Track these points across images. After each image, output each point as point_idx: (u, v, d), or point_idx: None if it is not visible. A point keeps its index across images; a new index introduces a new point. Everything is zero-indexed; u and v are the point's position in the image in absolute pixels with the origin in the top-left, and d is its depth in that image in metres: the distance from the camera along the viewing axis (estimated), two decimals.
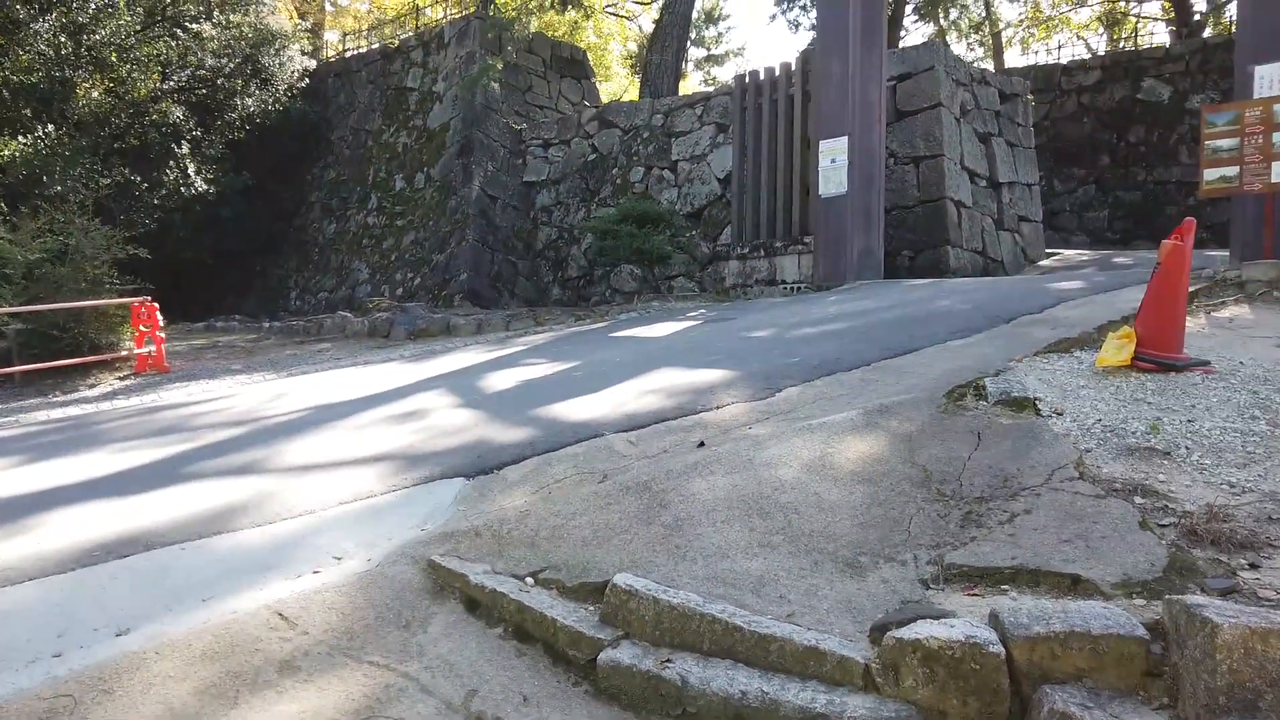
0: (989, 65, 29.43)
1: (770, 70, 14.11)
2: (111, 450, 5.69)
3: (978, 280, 11.91)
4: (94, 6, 19.38)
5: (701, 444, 4.45)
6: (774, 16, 33.68)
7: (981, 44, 31.02)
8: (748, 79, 14.49)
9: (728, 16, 35.69)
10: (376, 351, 11.46)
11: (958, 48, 29.80)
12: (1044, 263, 16.28)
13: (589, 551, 3.24)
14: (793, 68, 13.85)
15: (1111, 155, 22.60)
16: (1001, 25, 30.57)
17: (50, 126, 18.48)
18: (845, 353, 6.42)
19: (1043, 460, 3.54)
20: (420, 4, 26.23)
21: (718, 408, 5.18)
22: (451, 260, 19.73)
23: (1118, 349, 4.73)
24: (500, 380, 7.14)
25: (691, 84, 33.47)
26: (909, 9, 27.17)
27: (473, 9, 22.42)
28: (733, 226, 15.03)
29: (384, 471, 4.53)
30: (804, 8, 26.50)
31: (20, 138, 18.09)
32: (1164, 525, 2.95)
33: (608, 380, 6.38)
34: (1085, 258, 16.81)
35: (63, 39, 18.99)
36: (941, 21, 28.07)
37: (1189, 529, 2.89)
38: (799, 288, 12.87)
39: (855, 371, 5.75)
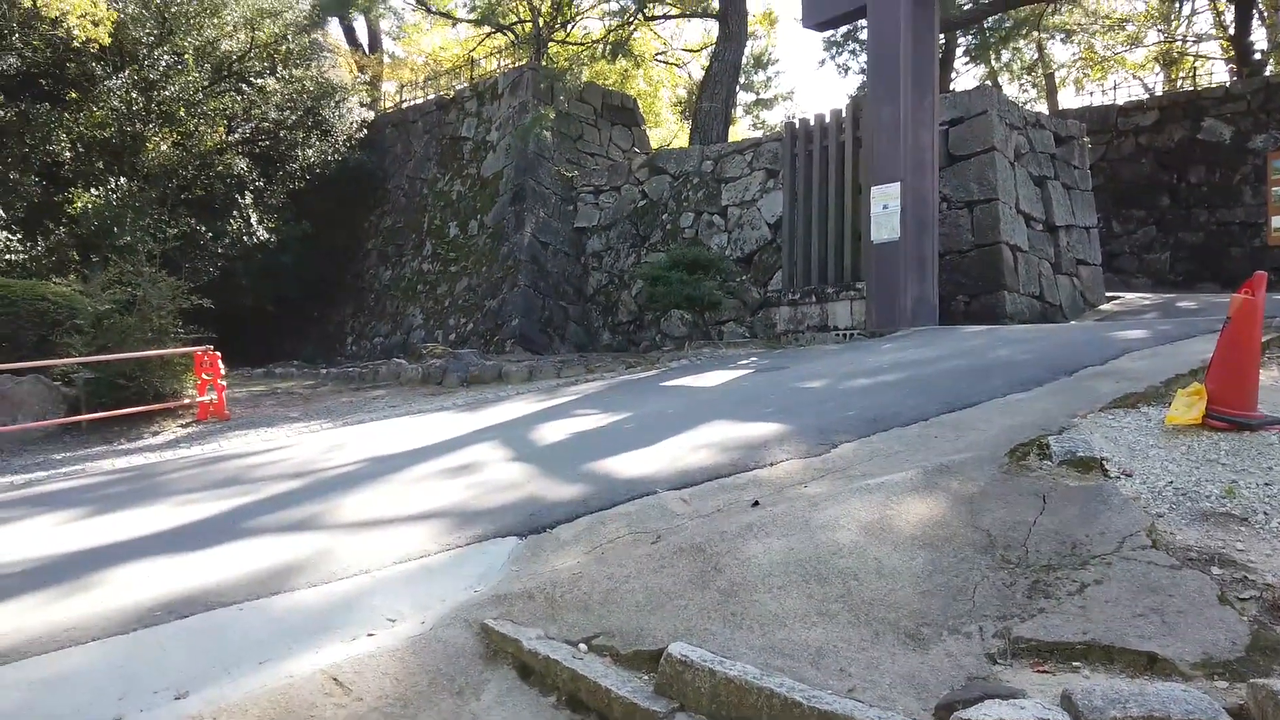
0: (1043, 107, 29.16)
1: (820, 117, 14.15)
2: (173, 503, 5.80)
3: (1036, 328, 11.69)
4: (165, 64, 20.22)
5: (756, 503, 4.39)
6: (823, 61, 33.96)
7: (1034, 85, 30.80)
8: (798, 125, 14.55)
9: (776, 61, 35.98)
10: (430, 399, 11.58)
11: (1009, 89, 29.62)
12: (1105, 307, 15.93)
13: (643, 617, 3.20)
14: (843, 114, 13.87)
15: (1172, 196, 22.16)
16: (1054, 66, 30.34)
17: (121, 179, 19.24)
18: (902, 406, 6.32)
19: (1112, 526, 3.42)
20: (475, 56, 26.90)
21: (772, 464, 5.12)
22: (503, 305, 19.96)
23: (1188, 406, 4.58)
24: (552, 432, 7.16)
25: (741, 129, 33.73)
26: (959, 51, 27.13)
27: (526, 60, 22.93)
28: (783, 272, 15.00)
29: (437, 529, 4.54)
30: (853, 52, 26.62)
31: (93, 190, 18.87)
32: (1244, 599, 2.81)
33: (659, 433, 6.35)
34: (1148, 302, 16.41)
35: (135, 95, 19.83)
36: (993, 63, 27.96)
37: (1272, 603, 2.76)
38: (852, 334, 12.75)
39: (913, 427, 5.65)
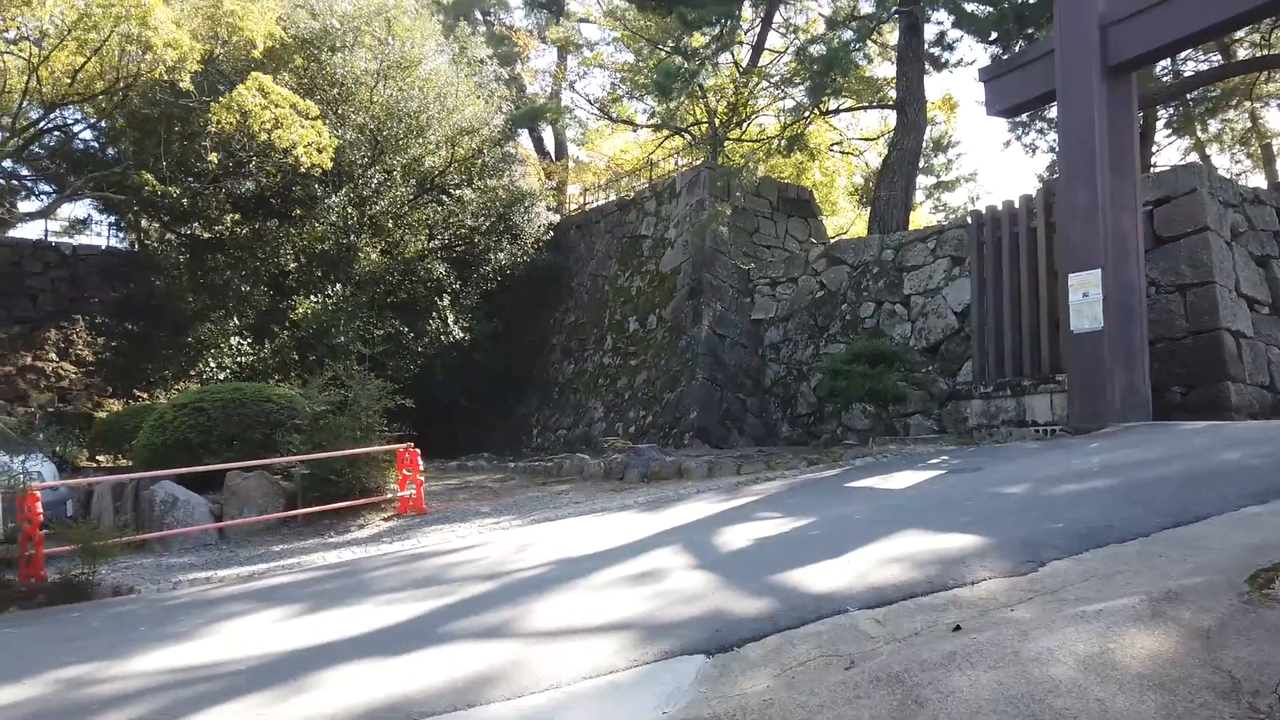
0: (1259, 179, 26.95)
1: (1009, 203, 13.66)
2: (377, 602, 6.11)
3: (1270, 425, 10.54)
4: (376, 181, 22.23)
5: (958, 628, 4.11)
6: (1008, 143, 32.91)
7: (1249, 156, 28.54)
8: (984, 212, 14.09)
9: (957, 143, 35.17)
10: (612, 496, 11.75)
11: (1219, 160, 27.60)
12: None
13: None
14: (1033, 199, 13.33)
15: None
16: (1271, 135, 28.04)
17: (337, 286, 21.10)
18: (1116, 518, 5.81)
19: None
20: (654, 158, 27.99)
21: (973, 583, 4.80)
22: (681, 398, 20.16)
23: None
24: (734, 537, 7.05)
25: (921, 213, 33.06)
26: (1160, 124, 25.62)
27: (702, 159, 23.61)
28: (973, 362, 14.36)
29: (624, 642, 4.53)
30: (1041, 131, 25.70)
31: (312, 297, 20.78)
32: None
33: (847, 542, 6.12)
34: None
35: (350, 210, 21.85)
36: (1199, 135, 26.18)
37: None
38: (1053, 431, 11.95)
39: (1131, 543, 5.16)
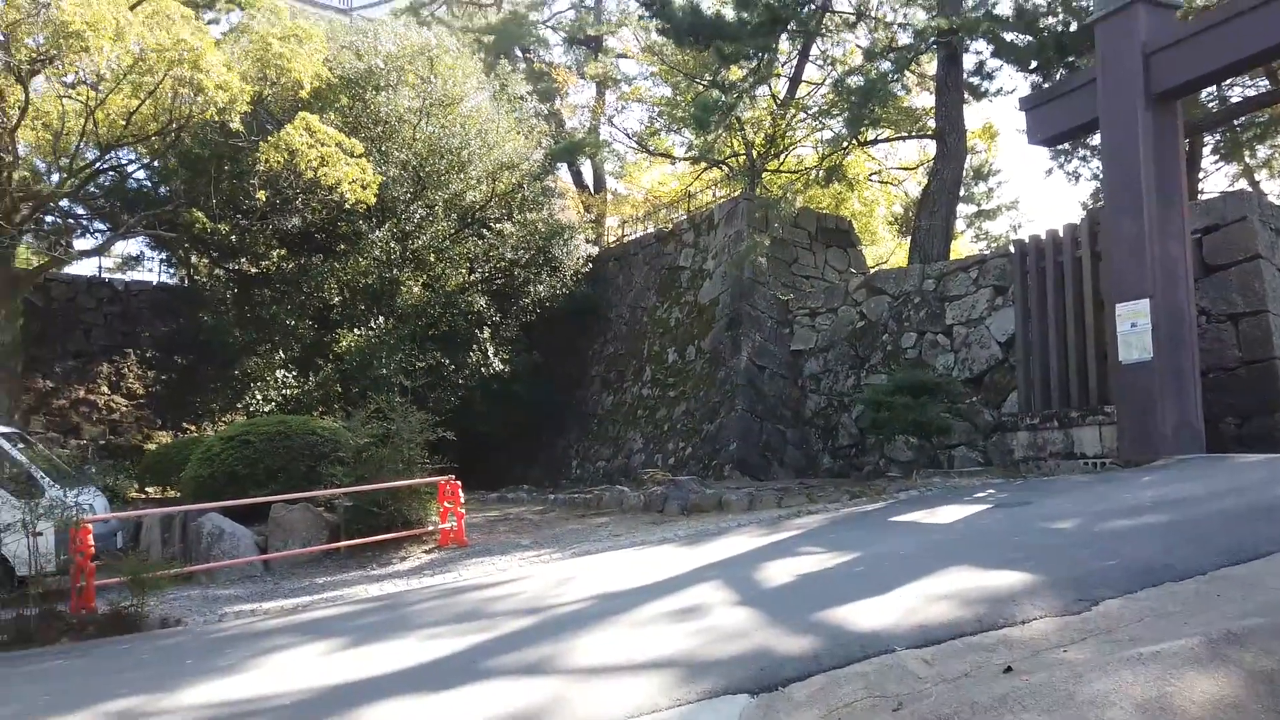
0: None
1: (1053, 232, 13.49)
2: (419, 637, 6.12)
3: None
4: (418, 216, 22.57)
5: (1009, 669, 4.02)
6: (1050, 171, 32.53)
7: None
8: (1028, 242, 13.92)
9: (998, 172, 34.83)
10: (652, 528, 11.69)
11: (1269, 185, 27.04)
12: None
13: None
14: (1078, 227, 13.15)
15: None
16: None
17: (379, 319, 21.39)
18: (1171, 555, 5.65)
19: None
20: (691, 190, 28.12)
21: (1023, 622, 4.69)
22: (721, 430, 20.07)
23: None
24: (776, 572, 6.97)
25: (962, 241, 32.76)
26: (1207, 150, 25.21)
27: (740, 190, 23.66)
28: (1019, 393, 14.13)
29: (667, 681, 4.48)
30: (1084, 158, 25.41)
31: (356, 330, 21.08)
32: None
33: (892, 579, 6.01)
34: None
35: (393, 245, 22.20)
36: (1247, 160, 25.72)
37: None
38: (1102, 463, 11.69)
39: (1187, 582, 5.02)
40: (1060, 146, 24.29)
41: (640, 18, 27.29)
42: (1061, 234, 13.36)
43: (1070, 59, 16.76)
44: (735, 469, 19.01)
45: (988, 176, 33.95)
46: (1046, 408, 13.18)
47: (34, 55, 15.27)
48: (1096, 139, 16.76)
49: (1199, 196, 19.88)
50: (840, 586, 6.08)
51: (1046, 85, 17.17)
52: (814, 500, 12.32)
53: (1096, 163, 24.11)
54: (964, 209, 33.18)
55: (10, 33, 14.95)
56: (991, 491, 10.52)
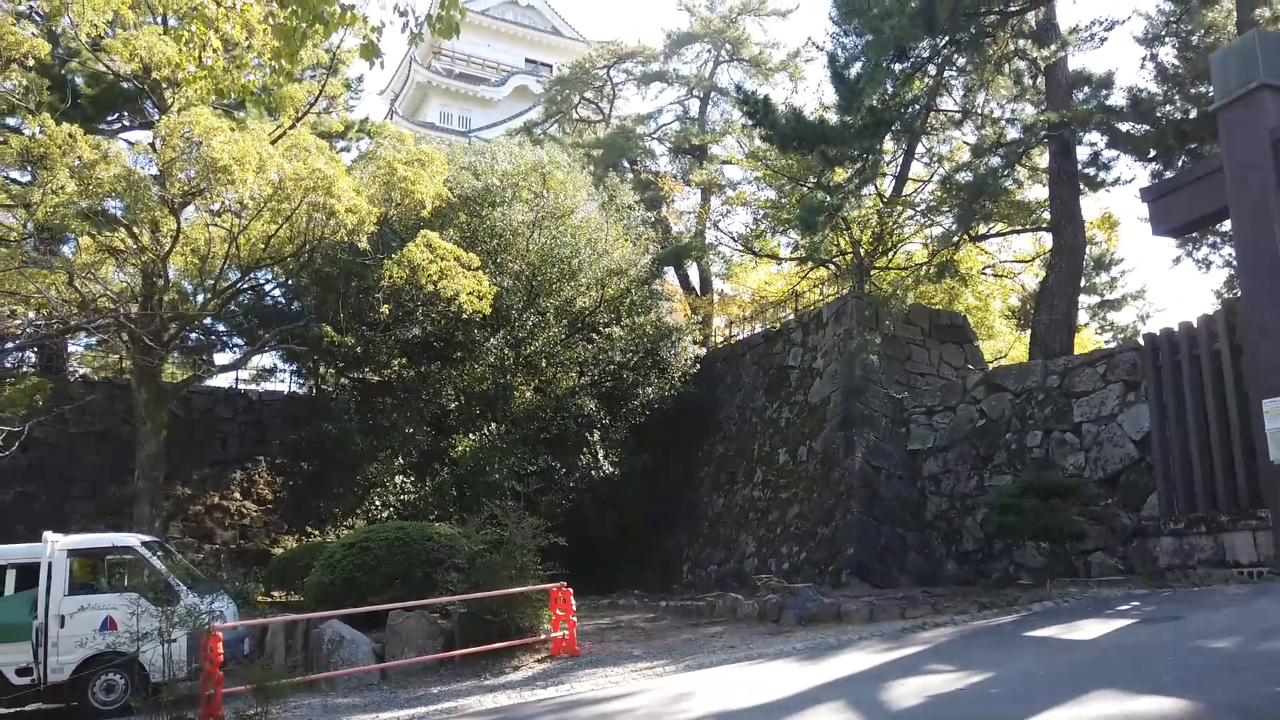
0: None
1: (1186, 324, 12.82)
2: None
3: None
4: (531, 323, 23.24)
5: None
6: (1178, 259, 31.07)
7: None
8: (1159, 335, 13.27)
9: (1120, 260, 33.47)
10: (768, 640, 11.28)
11: None
12: None
13: None
14: (1213, 319, 12.47)
15: None
16: None
17: (493, 424, 21.88)
18: None
19: None
20: (798, 289, 28.10)
21: None
22: (837, 533, 19.43)
23: None
24: (903, 693, 6.58)
25: (1086, 334, 31.44)
26: None
27: (848, 289, 23.50)
28: (1159, 496, 13.23)
29: None
30: (1214, 245, 24.28)
31: (471, 435, 21.59)
32: None
33: (1031, 702, 5.59)
34: None
35: (506, 351, 22.86)
36: None
37: None
38: (1259, 573, 10.74)
39: None
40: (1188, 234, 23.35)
41: (744, 126, 28.01)
42: (1196, 326, 12.69)
43: (1193, 145, 16.24)
44: (853, 575, 18.29)
45: (1109, 266, 32.80)
46: (1191, 511, 12.28)
47: (186, 188, 16.71)
48: (1226, 225, 16.00)
49: None
50: (974, 711, 5.69)
51: (1168, 174, 16.67)
52: (940, 611, 11.68)
53: (1228, 249, 23.02)
54: (1086, 299, 32.04)
55: (166, 169, 16.45)
56: (1136, 604, 9.77)
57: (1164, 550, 12.37)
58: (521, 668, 11.27)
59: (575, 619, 12.13)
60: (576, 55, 38.97)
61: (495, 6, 48.72)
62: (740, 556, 22.78)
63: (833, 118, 19.47)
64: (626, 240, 25.48)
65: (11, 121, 20.00)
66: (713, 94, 34.87)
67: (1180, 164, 16.78)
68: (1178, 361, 12.81)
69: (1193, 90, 17.41)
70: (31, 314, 18.28)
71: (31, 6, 17.79)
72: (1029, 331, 23.72)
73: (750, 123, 21.97)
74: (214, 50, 6.71)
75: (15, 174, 19.29)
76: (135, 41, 16.03)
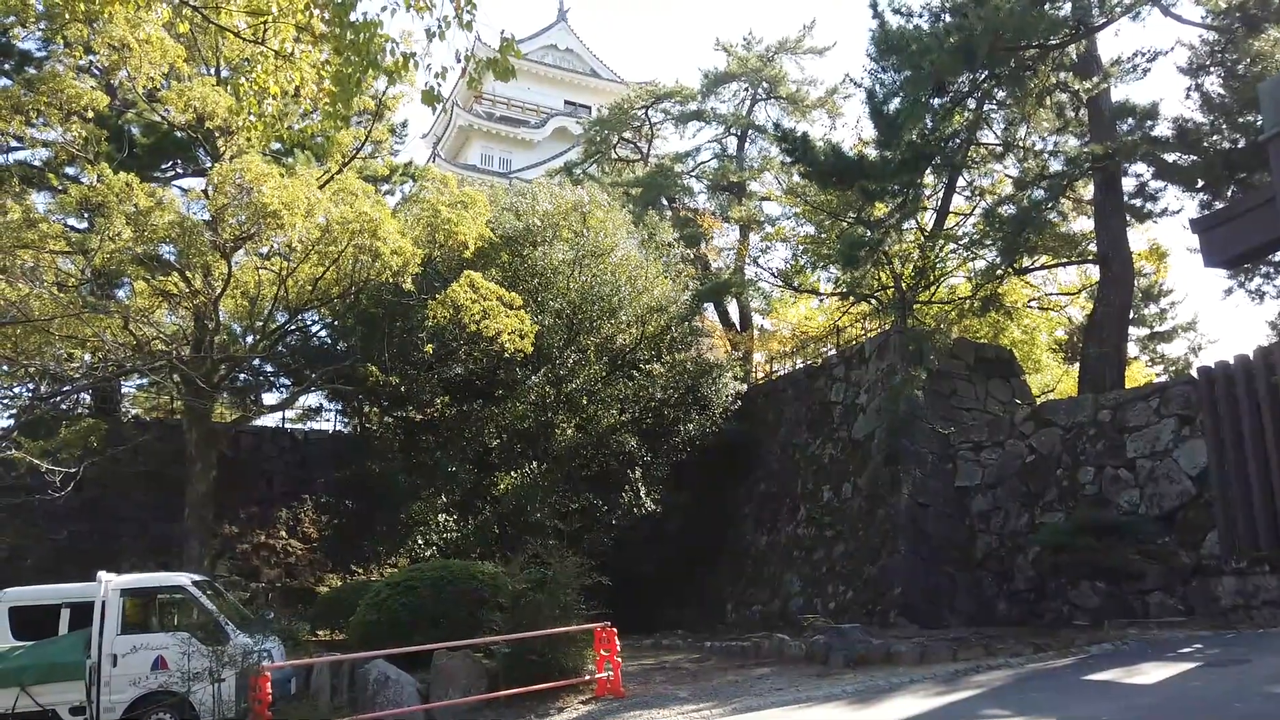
0: None
1: (1242, 357, 12.47)
2: None
3: None
4: (572, 361, 23.35)
5: None
6: (1230, 290, 30.38)
7: None
8: (1215, 368, 12.93)
9: (1170, 292, 32.79)
10: (816, 682, 11.07)
11: None
12: None
13: None
14: (1271, 351, 12.13)
15: None
16: None
17: (534, 462, 21.92)
18: None
19: None
20: (839, 324, 27.90)
21: None
22: (884, 573, 19.08)
23: None
24: None
25: (1136, 367, 30.77)
26: None
27: (891, 323, 23.28)
28: (1219, 533, 12.81)
29: None
30: (1267, 276, 23.75)
31: (513, 473, 21.65)
32: None
33: None
34: None
35: (548, 389, 22.96)
36: None
37: None
38: None
39: None
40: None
41: (782, 163, 28.07)
42: (1253, 358, 12.35)
43: (1242, 175, 15.95)
44: (900, 615, 17.91)
45: (1159, 297, 32.15)
46: (1254, 549, 11.87)
47: (237, 233, 17.14)
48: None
49: None
50: None
51: (1217, 204, 16.37)
52: (993, 653, 11.39)
53: None
54: (1135, 331, 31.39)
55: (218, 215, 16.91)
56: (1199, 646, 9.44)
57: (1226, 590, 11.96)
58: (566, 709, 11.17)
59: (620, 660, 12.01)
60: (615, 96, 39.45)
61: (535, 51, 49.61)
62: (785, 596, 22.45)
63: (872, 153, 19.47)
64: (666, 277, 25.56)
65: (71, 171, 20.72)
66: (750, 131, 34.99)
67: (1230, 194, 16.47)
68: (1234, 394, 12.45)
69: (1240, 120, 17.10)
70: (88, 357, 18.77)
71: (91, 61, 18.51)
72: (1077, 365, 23.30)
73: (789, 159, 22.04)
74: (274, 97, 6.90)
75: (74, 221, 19.97)
76: (190, 92, 16.58)
